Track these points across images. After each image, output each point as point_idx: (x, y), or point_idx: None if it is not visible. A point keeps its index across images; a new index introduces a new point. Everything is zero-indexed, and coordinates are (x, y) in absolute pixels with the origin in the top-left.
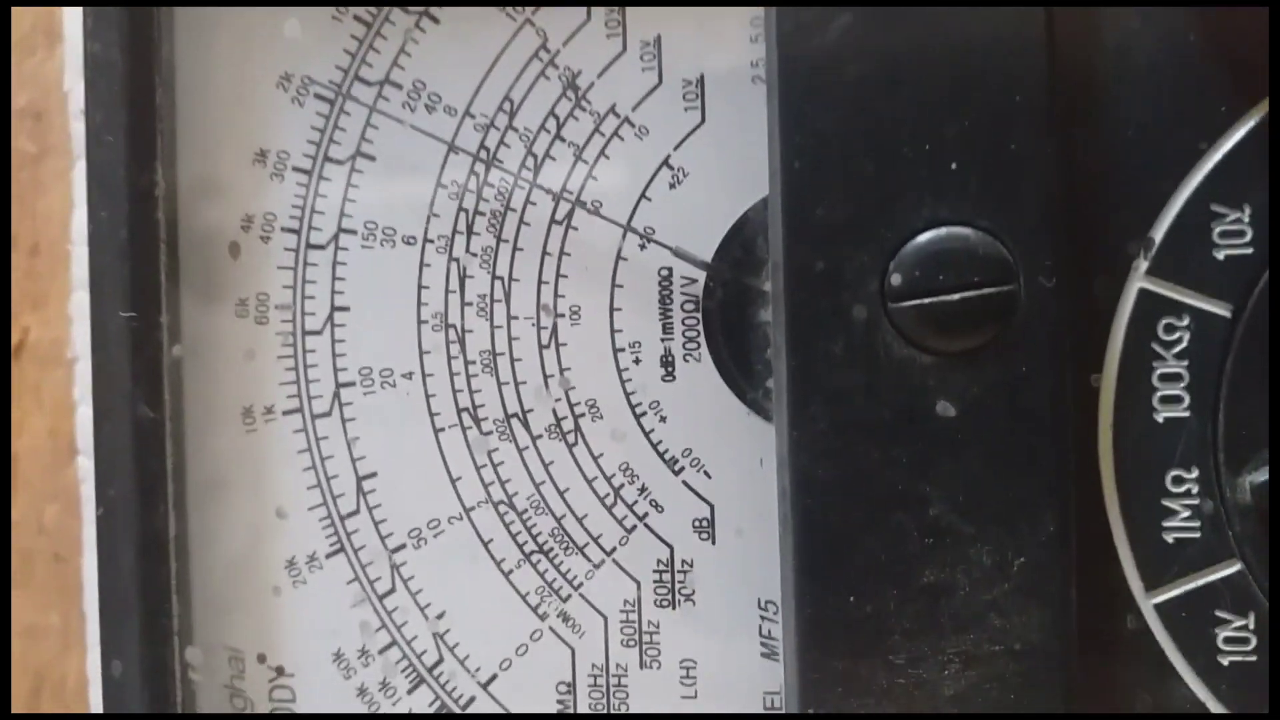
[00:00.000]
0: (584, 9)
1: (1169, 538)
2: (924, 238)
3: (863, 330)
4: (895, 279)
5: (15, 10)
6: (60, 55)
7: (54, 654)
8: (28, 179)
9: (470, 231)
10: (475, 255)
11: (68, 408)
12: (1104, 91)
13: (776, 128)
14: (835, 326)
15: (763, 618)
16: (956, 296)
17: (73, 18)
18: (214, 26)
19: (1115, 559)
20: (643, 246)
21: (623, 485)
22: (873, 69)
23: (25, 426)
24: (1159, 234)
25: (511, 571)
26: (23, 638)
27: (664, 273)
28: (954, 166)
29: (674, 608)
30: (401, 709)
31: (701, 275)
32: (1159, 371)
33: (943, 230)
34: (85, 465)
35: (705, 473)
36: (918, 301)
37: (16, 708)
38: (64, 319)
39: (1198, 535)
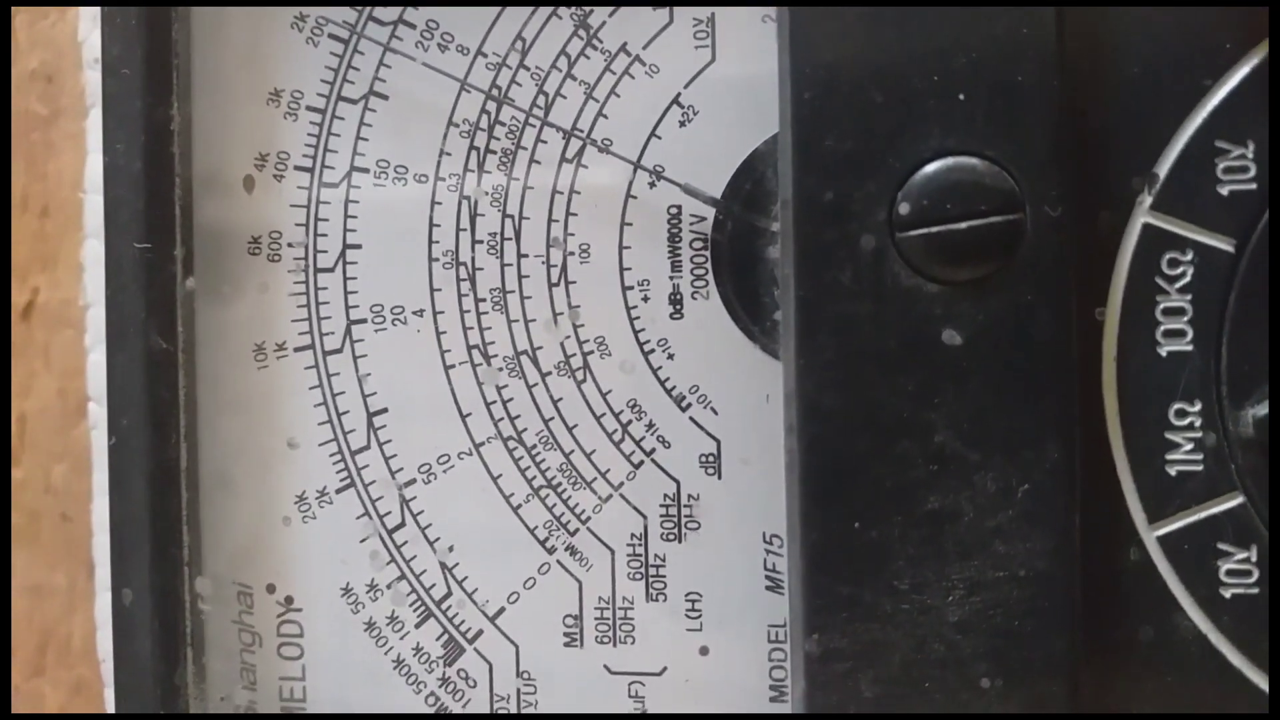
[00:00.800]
0: None
1: (1172, 470)
2: (932, 167)
3: (871, 260)
4: (903, 208)
5: None
6: (73, 16)
7: (60, 613)
8: (39, 140)
9: (481, 170)
10: (486, 193)
11: (77, 368)
12: (1111, 25)
13: (787, 58)
14: (843, 256)
15: (768, 551)
16: (964, 225)
17: None
18: None
19: (1118, 491)
20: (652, 185)
21: (630, 421)
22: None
23: (33, 387)
24: (1163, 169)
25: (520, 506)
26: (29, 597)
27: (673, 211)
28: (962, 97)
29: (680, 541)
30: (409, 643)
31: (710, 212)
32: (1162, 305)
33: (950, 160)
34: (96, 412)
35: (712, 409)
36: (925, 230)
37: (21, 666)
38: (74, 279)
39: (1200, 468)
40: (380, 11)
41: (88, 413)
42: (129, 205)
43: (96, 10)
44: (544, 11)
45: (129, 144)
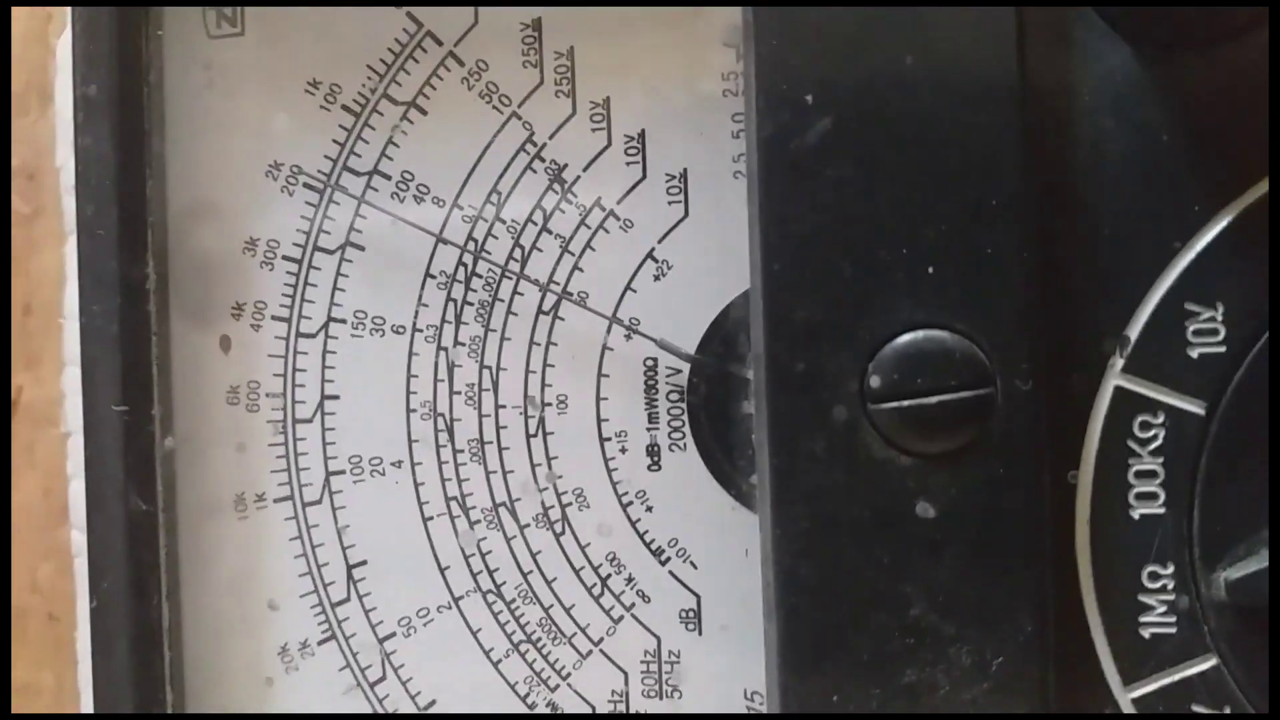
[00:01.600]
0: (569, 103)
1: (1146, 633)
2: (902, 340)
3: (843, 431)
4: (874, 381)
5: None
6: (52, 116)
7: (48, 711)
8: (21, 238)
9: (459, 321)
10: (463, 345)
11: (60, 468)
12: (1079, 192)
13: (757, 230)
14: (816, 427)
15: (749, 708)
16: (934, 399)
17: (63, 79)
18: (204, 118)
19: (1093, 653)
20: (628, 337)
21: (610, 575)
22: (851, 172)
23: (19, 486)
24: (1134, 332)
25: (500, 661)
26: (18, 695)
27: (649, 363)
28: (931, 270)
29: (661, 698)
30: None
31: (686, 366)
32: (1135, 468)
33: (920, 333)
34: (79, 539)
35: (691, 563)
36: (896, 403)
37: None
38: (57, 377)
39: (1174, 630)
40: (355, 161)
41: (72, 536)
42: (106, 367)
43: (70, 131)
44: (519, 165)
45: (105, 304)
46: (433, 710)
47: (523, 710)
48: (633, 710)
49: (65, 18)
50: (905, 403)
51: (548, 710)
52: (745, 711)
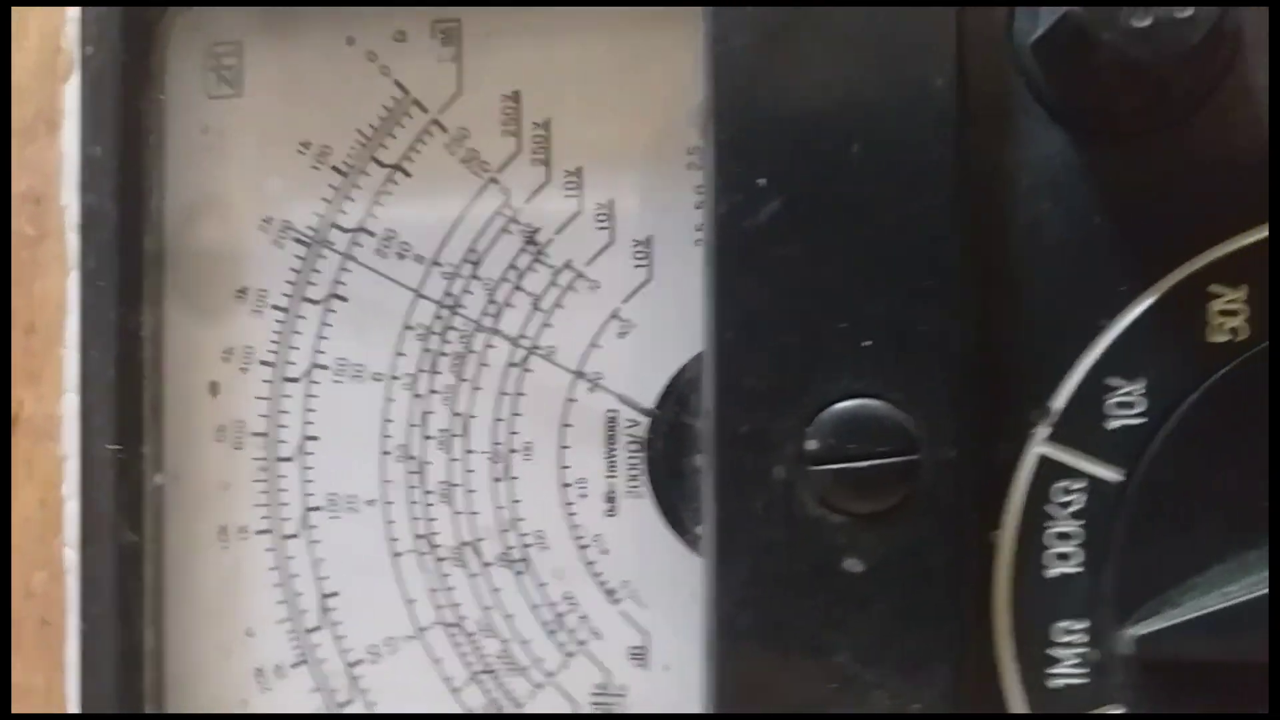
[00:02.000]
0: (543, 169)
1: (1059, 683)
2: (838, 408)
3: (781, 489)
4: (812, 444)
5: (19, 96)
6: (59, 145)
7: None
8: (27, 259)
9: (434, 370)
10: (437, 393)
11: (57, 480)
12: (1013, 270)
13: (711, 300)
14: (757, 485)
15: None
16: (864, 464)
17: (70, 123)
18: (201, 176)
19: (1006, 702)
20: (591, 390)
21: (565, 613)
22: (797, 251)
23: (17, 497)
24: (1058, 403)
25: (459, 689)
26: (10, 696)
27: (610, 415)
28: (867, 343)
29: None
30: None
31: (645, 420)
32: (1053, 530)
33: (855, 401)
34: (72, 556)
35: (642, 603)
36: (830, 466)
37: None
38: (57, 394)
39: (1085, 681)
40: (342, 219)
41: (64, 553)
42: (101, 409)
43: (75, 170)
44: (495, 226)
45: (102, 351)
46: None
47: None
48: None
49: (73, 53)
50: (838, 465)
51: None
52: None
